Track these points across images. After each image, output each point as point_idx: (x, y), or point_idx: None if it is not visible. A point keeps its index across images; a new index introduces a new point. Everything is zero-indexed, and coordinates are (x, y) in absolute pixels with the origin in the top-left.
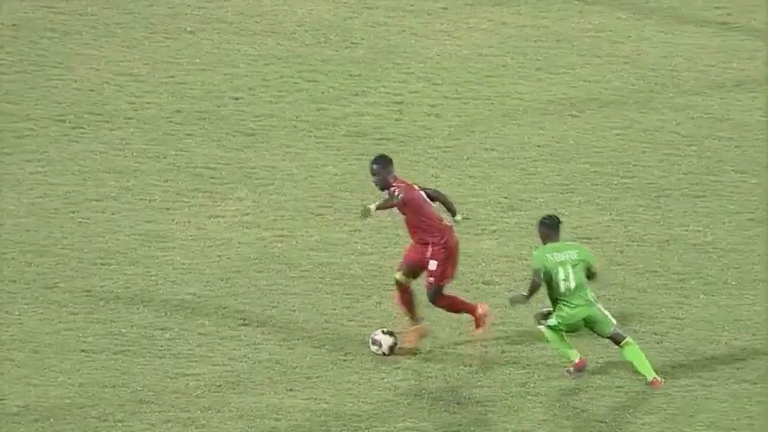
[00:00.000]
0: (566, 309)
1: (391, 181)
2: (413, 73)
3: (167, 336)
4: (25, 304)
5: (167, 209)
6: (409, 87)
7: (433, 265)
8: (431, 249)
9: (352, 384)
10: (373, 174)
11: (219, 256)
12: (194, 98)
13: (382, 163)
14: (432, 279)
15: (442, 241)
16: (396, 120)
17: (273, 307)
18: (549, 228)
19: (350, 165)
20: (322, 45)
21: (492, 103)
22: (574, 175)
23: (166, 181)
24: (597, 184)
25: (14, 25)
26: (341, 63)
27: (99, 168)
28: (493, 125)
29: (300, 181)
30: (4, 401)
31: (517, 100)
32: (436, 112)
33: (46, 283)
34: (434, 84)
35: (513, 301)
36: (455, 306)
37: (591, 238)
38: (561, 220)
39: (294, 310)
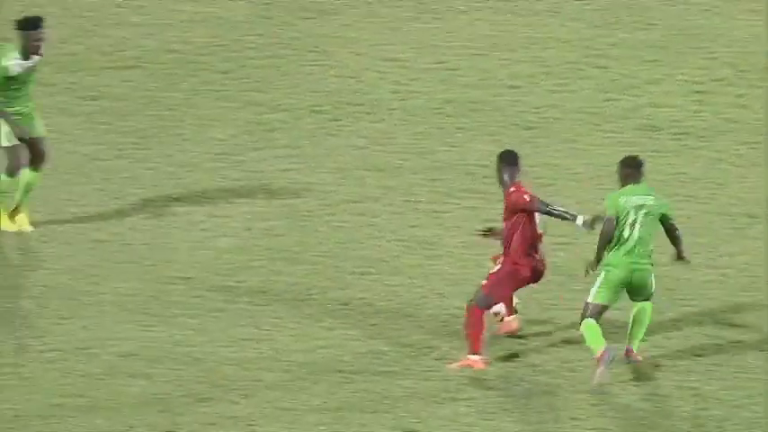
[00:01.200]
0: (619, 259)
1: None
2: (716, 58)
3: (435, 355)
4: (275, 318)
5: (435, 212)
6: (712, 75)
7: (495, 268)
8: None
9: (644, 413)
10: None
11: None
12: (466, 86)
13: (506, 160)
14: (484, 283)
15: (530, 263)
16: (695, 112)
17: (552, 323)
18: (630, 167)
19: None
20: (612, 26)
21: None
22: None
23: (434, 180)
24: None
25: (267, 4)
26: (633, 47)
27: (359, 165)
28: None
29: (584, 181)
30: (252, 427)
31: None
32: (743, 103)
33: (298, 295)
34: (741, 70)
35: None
36: (474, 334)
37: None
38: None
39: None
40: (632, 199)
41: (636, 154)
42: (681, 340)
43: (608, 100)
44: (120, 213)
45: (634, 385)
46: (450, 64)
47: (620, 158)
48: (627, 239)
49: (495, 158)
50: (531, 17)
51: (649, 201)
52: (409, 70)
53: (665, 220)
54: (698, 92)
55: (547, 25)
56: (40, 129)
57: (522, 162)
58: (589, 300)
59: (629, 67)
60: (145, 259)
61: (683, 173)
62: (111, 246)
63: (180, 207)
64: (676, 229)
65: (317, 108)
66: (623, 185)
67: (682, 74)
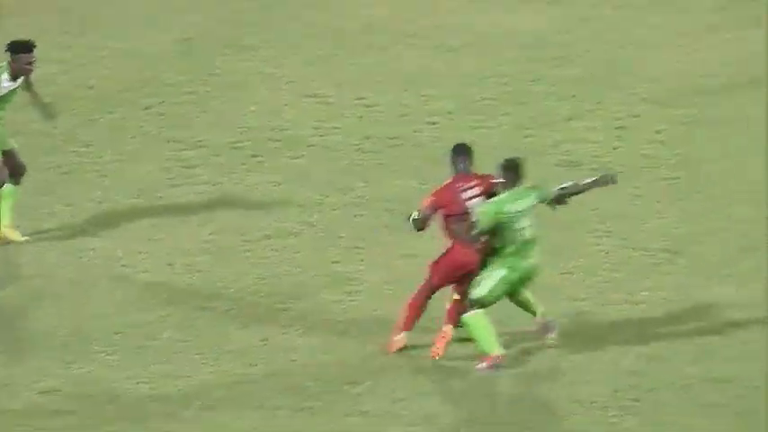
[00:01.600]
0: (518, 261)
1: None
2: (637, 94)
3: (356, 391)
4: (196, 354)
5: (356, 247)
6: (632, 110)
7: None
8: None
9: None
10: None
11: None
12: (386, 123)
13: (454, 151)
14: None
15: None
16: (615, 147)
17: (476, 359)
18: (512, 171)
19: None
20: (532, 62)
21: (729, 129)
22: None
23: (354, 216)
24: None
25: (186, 40)
26: (554, 83)
27: (278, 201)
28: (730, 154)
29: None
30: None
31: (756, 126)
32: (662, 139)
33: (218, 331)
34: (660, 106)
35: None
36: (411, 314)
37: None
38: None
39: (499, 366)
40: (516, 205)
41: (515, 157)
42: (598, 375)
43: (528, 136)
44: (41, 250)
45: (552, 423)
46: (370, 100)
47: (503, 161)
48: (520, 244)
49: (420, 192)
50: (451, 53)
51: (532, 199)
52: (329, 106)
53: (550, 200)
54: (618, 128)
55: (465, 62)
56: (12, 142)
57: (468, 154)
58: (481, 294)
59: (549, 102)
60: (65, 295)
61: (603, 208)
62: (32, 282)
63: (100, 243)
64: (565, 195)
65: (237, 144)
66: (506, 189)
67: (601, 109)
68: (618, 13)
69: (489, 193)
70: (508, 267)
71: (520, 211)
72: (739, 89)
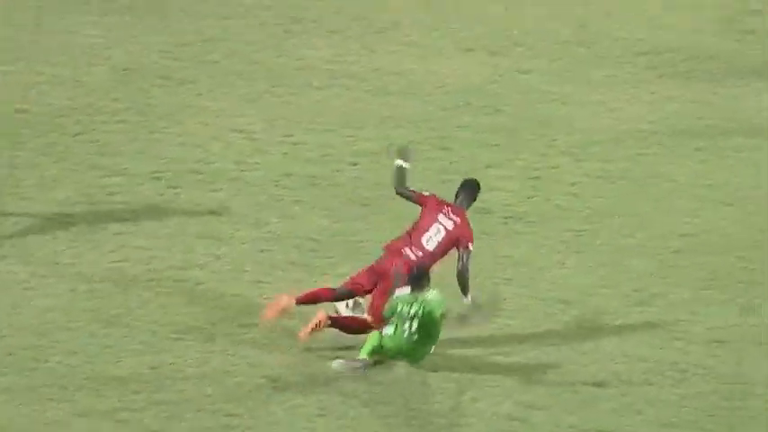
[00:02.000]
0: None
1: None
2: (556, 146)
3: (235, 422)
4: (84, 378)
5: (258, 281)
6: (549, 162)
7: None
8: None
9: None
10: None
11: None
12: (308, 161)
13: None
14: None
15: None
16: (528, 197)
17: (354, 397)
18: (418, 281)
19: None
20: (461, 109)
21: (641, 185)
22: (718, 271)
23: (262, 251)
24: (741, 282)
25: (126, 70)
26: (478, 131)
27: (190, 233)
28: (637, 209)
29: None
30: None
31: (671, 183)
32: (575, 192)
33: (110, 357)
34: (579, 159)
35: None
36: (311, 292)
37: (725, 341)
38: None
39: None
40: (409, 309)
41: (423, 266)
42: (477, 420)
43: (444, 181)
44: None
45: None
46: (297, 138)
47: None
48: (406, 340)
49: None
50: (384, 97)
51: (420, 312)
52: (255, 142)
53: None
54: (533, 178)
55: (398, 105)
56: None
57: (469, 192)
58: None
59: (471, 149)
60: None
61: (508, 256)
62: None
63: (6, 266)
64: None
65: (158, 175)
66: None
67: (520, 159)
68: (553, 66)
69: (453, 240)
70: (390, 334)
71: (408, 314)
72: (656, 146)
